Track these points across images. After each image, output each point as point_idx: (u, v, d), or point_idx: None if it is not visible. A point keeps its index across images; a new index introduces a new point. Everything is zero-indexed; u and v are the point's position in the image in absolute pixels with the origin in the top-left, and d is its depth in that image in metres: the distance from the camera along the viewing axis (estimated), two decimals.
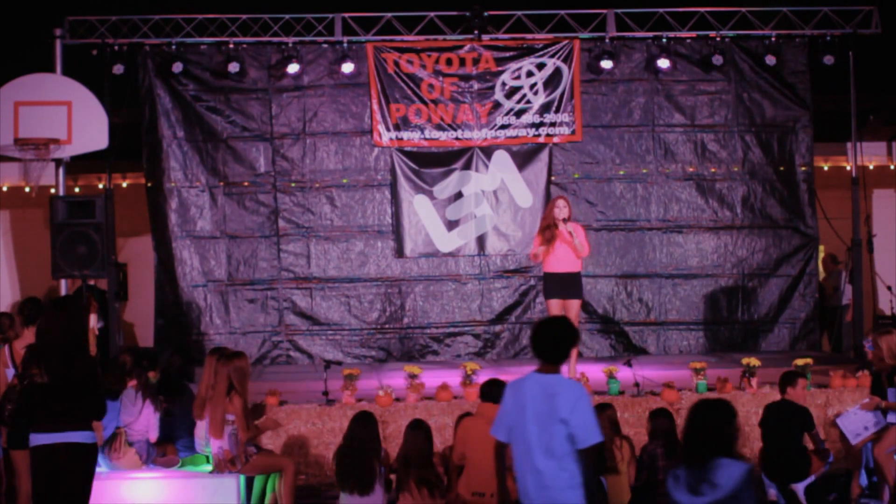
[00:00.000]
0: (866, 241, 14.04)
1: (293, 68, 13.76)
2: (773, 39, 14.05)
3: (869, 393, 9.55)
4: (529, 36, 14.12)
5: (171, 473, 8.92)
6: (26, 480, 7.60)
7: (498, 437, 6.09)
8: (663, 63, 13.96)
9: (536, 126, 14.09)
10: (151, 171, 14.02)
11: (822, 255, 14.99)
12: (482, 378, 9.34)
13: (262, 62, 14.02)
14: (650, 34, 14.05)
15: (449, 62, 14.06)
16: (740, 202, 14.33)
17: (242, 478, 8.62)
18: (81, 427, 6.89)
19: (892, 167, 16.01)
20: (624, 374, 10.71)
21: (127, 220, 14.83)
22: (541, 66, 14.06)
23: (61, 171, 13.31)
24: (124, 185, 15.28)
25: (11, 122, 12.56)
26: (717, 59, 13.88)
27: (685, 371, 11.06)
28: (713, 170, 14.37)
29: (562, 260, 11.08)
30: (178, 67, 13.65)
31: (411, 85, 13.99)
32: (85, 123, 12.74)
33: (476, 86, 14.11)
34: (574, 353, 9.96)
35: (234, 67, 13.64)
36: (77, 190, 15.06)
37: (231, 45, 13.78)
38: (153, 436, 9.12)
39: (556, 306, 11.15)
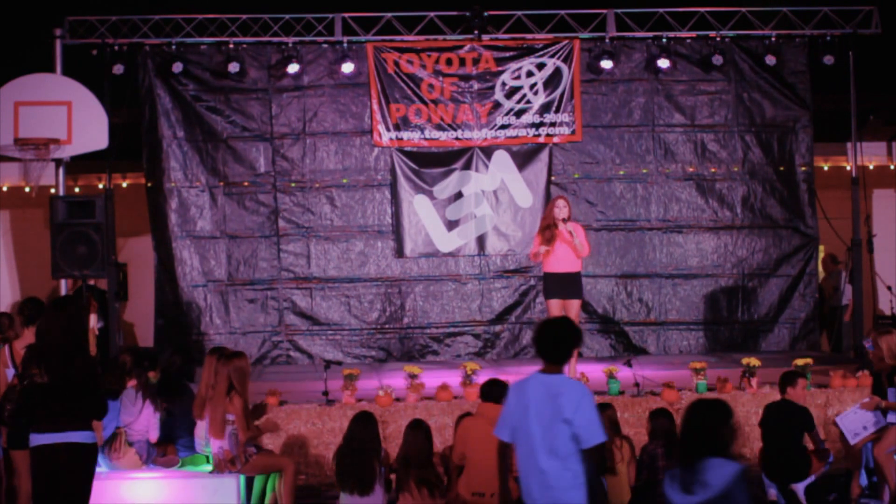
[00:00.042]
0: (866, 241, 14.04)
1: (293, 68, 13.76)
2: (773, 39, 14.05)
3: (870, 393, 9.54)
4: (529, 36, 14.12)
5: (171, 473, 8.92)
6: (26, 480, 7.60)
7: (501, 437, 6.10)
8: (663, 63, 13.96)
9: (536, 126, 14.10)
10: (151, 171, 14.02)
11: (821, 255, 14.98)
12: (482, 378, 9.34)
13: (262, 62, 14.03)
14: (650, 34, 14.05)
15: (449, 62, 14.06)
16: (740, 202, 14.33)
17: (242, 478, 8.62)
18: (81, 427, 6.89)
19: (892, 167, 16.01)
20: (624, 374, 10.71)
21: (127, 220, 14.83)
22: (541, 66, 14.07)
23: (61, 171, 13.31)
24: (124, 185, 15.28)
25: (11, 122, 12.56)
26: (717, 59, 13.88)
27: (685, 371, 11.06)
28: (713, 170, 14.37)
29: (562, 260, 11.09)
30: (178, 67, 13.65)
31: (411, 85, 13.99)
32: (85, 123, 12.74)
33: (476, 86, 14.11)
34: (574, 353, 9.96)
35: (234, 67, 13.64)
36: (77, 190, 15.06)
37: (231, 45, 13.78)
38: (153, 436, 9.13)
39: (556, 306, 11.16)
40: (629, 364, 10.75)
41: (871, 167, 15.33)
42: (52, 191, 13.34)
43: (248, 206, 14.08)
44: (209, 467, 8.79)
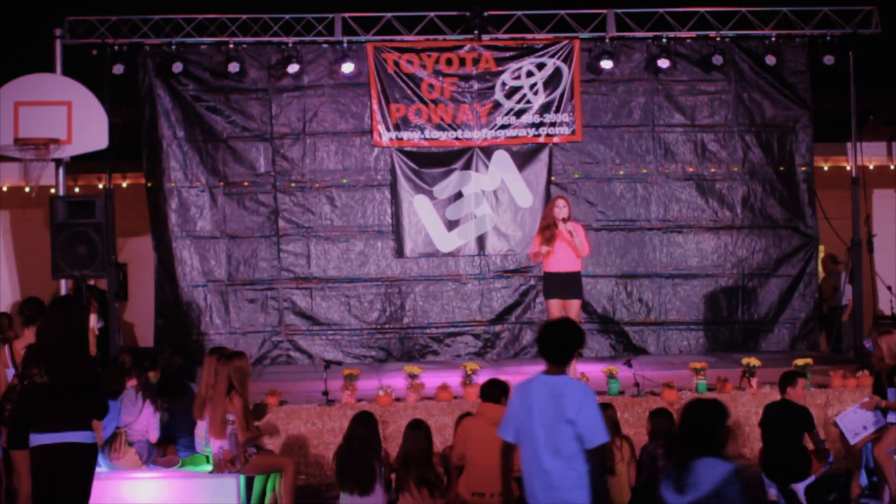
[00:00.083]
0: (866, 241, 14.04)
1: (293, 68, 13.76)
2: (773, 39, 14.05)
3: (871, 392, 9.53)
4: (529, 36, 14.12)
5: (171, 473, 8.91)
6: (26, 480, 7.59)
7: (506, 438, 6.12)
8: (663, 63, 13.96)
9: (536, 126, 14.10)
10: (151, 171, 14.02)
11: (821, 255, 14.97)
12: (482, 378, 9.34)
13: (262, 62, 14.03)
14: (650, 34, 14.05)
15: (449, 62, 14.06)
16: (740, 202, 14.33)
17: (242, 478, 8.62)
18: (81, 427, 6.89)
19: (892, 167, 16.02)
20: (624, 374, 10.71)
21: (127, 220, 14.83)
22: (541, 66, 14.07)
23: (61, 171, 13.31)
24: (124, 185, 15.28)
25: (11, 122, 12.56)
26: (717, 59, 13.88)
27: (685, 371, 11.06)
28: (713, 170, 14.37)
29: (562, 259, 11.09)
30: (178, 67, 13.65)
31: (411, 85, 13.99)
32: (85, 123, 12.74)
33: (476, 86, 14.11)
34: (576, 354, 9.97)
35: (234, 67, 13.64)
36: (77, 190, 15.07)
37: (231, 45, 13.78)
38: (153, 436, 9.12)
39: (555, 306, 11.16)
40: (629, 364, 10.75)
41: (871, 167, 15.33)
42: (52, 191, 13.34)
43: (248, 206, 14.08)
44: (209, 467, 8.78)
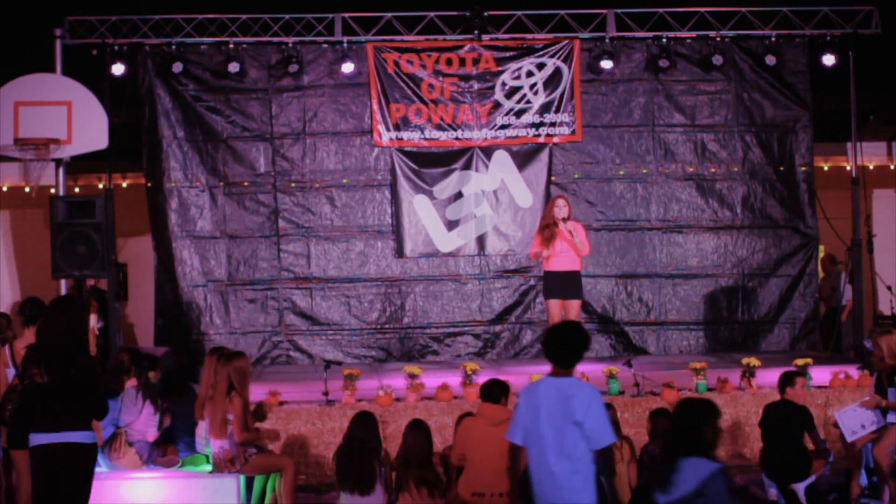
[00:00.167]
0: (866, 241, 14.03)
1: (293, 68, 13.76)
2: (773, 39, 14.05)
3: (872, 392, 9.53)
4: (529, 36, 14.12)
5: (171, 473, 8.91)
6: (26, 480, 7.59)
7: (514, 440, 6.15)
8: (663, 63, 13.96)
9: (536, 126, 14.09)
10: (151, 171, 14.02)
11: (821, 255, 14.97)
12: (482, 378, 9.35)
13: (262, 62, 14.03)
14: (650, 34, 14.05)
15: (449, 62, 14.06)
16: (740, 202, 14.33)
17: (242, 478, 8.62)
18: (81, 427, 6.89)
19: (892, 167, 16.02)
20: (624, 374, 10.71)
21: (127, 220, 14.83)
22: (541, 66, 14.06)
23: (61, 171, 13.30)
24: (124, 185, 15.29)
25: (11, 122, 12.54)
26: (717, 59, 13.88)
27: (685, 371, 11.07)
28: (713, 170, 14.37)
29: (562, 259, 11.12)
30: (178, 67, 13.65)
31: (411, 85, 13.99)
32: (85, 123, 12.73)
33: (476, 86, 14.11)
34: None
35: (234, 67, 13.64)
36: (77, 190, 15.07)
37: (231, 45, 13.78)
38: (151, 435, 9.11)
39: (555, 306, 11.17)
40: (629, 364, 10.76)
41: (871, 167, 15.34)
42: (52, 191, 13.33)
43: (248, 206, 14.08)
44: (209, 467, 8.79)
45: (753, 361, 10.75)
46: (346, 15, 13.89)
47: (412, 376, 10.47)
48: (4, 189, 15.27)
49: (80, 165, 14.26)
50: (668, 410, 9.11)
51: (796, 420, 8.96)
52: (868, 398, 9.38)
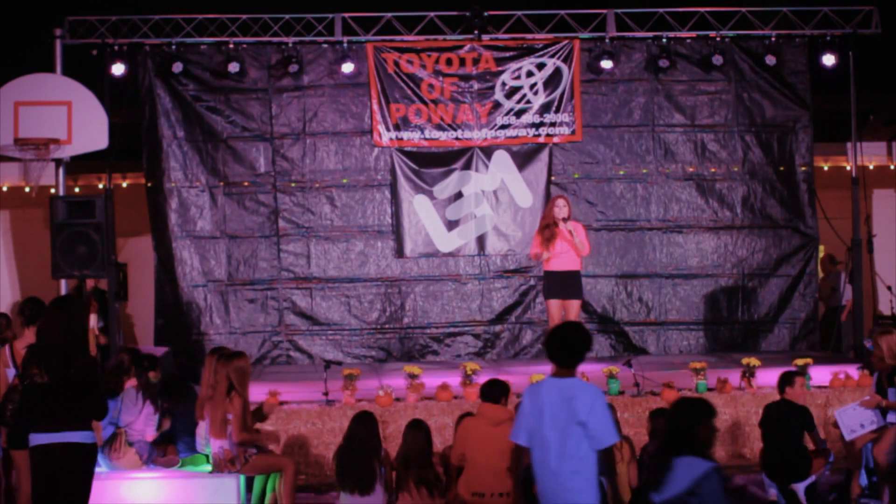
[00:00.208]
0: (866, 241, 14.03)
1: (293, 68, 13.75)
2: (773, 39, 14.05)
3: (873, 392, 9.53)
4: (529, 36, 14.12)
5: (171, 473, 8.91)
6: (26, 480, 7.60)
7: (518, 441, 6.17)
8: (663, 63, 13.96)
9: (536, 126, 14.09)
10: (151, 171, 14.01)
11: (820, 255, 14.97)
12: (482, 378, 9.36)
13: (262, 62, 14.02)
14: (650, 34, 14.04)
15: (449, 62, 14.06)
16: (740, 202, 14.33)
17: (242, 478, 8.62)
18: (81, 427, 6.89)
19: (892, 167, 16.01)
20: (624, 374, 10.71)
21: (127, 220, 14.83)
22: (541, 66, 14.06)
23: (61, 171, 13.30)
24: (124, 185, 15.28)
25: (11, 122, 12.54)
26: (717, 59, 13.87)
27: (685, 371, 11.06)
28: (713, 170, 14.37)
29: (562, 259, 11.12)
30: (178, 67, 13.64)
31: (411, 85, 13.99)
32: (85, 123, 12.73)
33: (476, 86, 14.11)
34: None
35: (234, 67, 13.64)
36: (77, 190, 15.06)
37: (231, 45, 13.77)
38: (150, 435, 9.11)
39: (555, 306, 11.18)
40: (629, 364, 10.76)
41: (871, 167, 15.33)
42: (52, 191, 13.33)
43: (248, 206, 14.08)
44: (209, 467, 8.79)
45: (753, 361, 10.76)
46: (346, 15, 13.89)
47: (412, 376, 10.47)
48: (4, 189, 15.27)
49: (80, 165, 14.26)
50: (668, 410, 9.12)
51: (796, 420, 8.96)
52: (868, 397, 9.38)
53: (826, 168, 15.59)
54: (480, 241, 14.13)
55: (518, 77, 14.07)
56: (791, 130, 14.35)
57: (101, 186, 14.65)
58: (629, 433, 9.46)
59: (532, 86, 14.06)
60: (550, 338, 6.29)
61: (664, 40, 14.03)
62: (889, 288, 14.57)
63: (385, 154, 14.11)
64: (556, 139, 14.13)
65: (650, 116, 14.29)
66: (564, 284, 11.16)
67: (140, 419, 9.07)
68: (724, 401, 10.42)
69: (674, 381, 10.51)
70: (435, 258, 14.13)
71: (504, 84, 14.07)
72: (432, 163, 14.10)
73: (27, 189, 13.92)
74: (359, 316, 14.07)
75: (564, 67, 14.03)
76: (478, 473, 7.92)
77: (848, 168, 14.61)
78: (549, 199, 12.90)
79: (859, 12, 13.93)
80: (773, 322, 14.30)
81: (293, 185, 14.11)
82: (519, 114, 14.08)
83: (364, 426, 8.16)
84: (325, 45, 13.99)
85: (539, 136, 14.10)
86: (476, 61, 14.06)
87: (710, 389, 10.58)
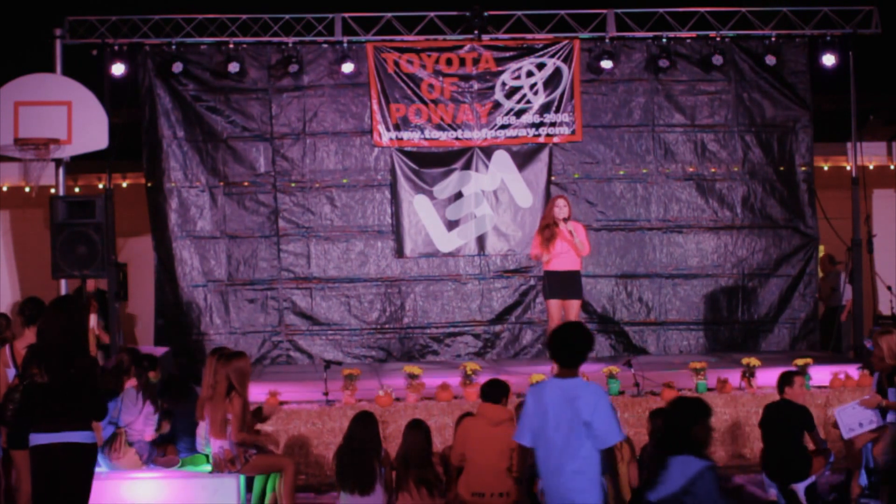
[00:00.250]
0: (866, 241, 14.03)
1: (293, 68, 13.75)
2: (773, 39, 14.05)
3: (873, 392, 9.53)
4: (529, 36, 14.12)
5: (171, 473, 8.92)
6: (26, 480, 7.60)
7: (522, 442, 6.19)
8: (663, 63, 13.96)
9: (536, 126, 14.10)
10: (151, 171, 14.01)
11: (820, 255, 14.97)
12: (482, 378, 9.36)
13: (262, 62, 14.02)
14: (650, 34, 14.05)
15: (449, 62, 14.06)
16: (740, 202, 14.33)
17: (242, 478, 8.63)
18: (81, 427, 6.89)
19: (892, 167, 16.01)
20: (624, 374, 10.71)
21: (127, 220, 14.83)
22: (541, 66, 14.06)
23: (61, 171, 13.30)
24: (124, 185, 15.28)
25: (11, 122, 12.55)
26: (717, 59, 13.87)
27: (685, 371, 11.07)
28: (713, 170, 14.37)
29: (562, 259, 11.11)
30: (178, 67, 13.64)
31: (411, 85, 13.99)
32: (85, 123, 12.73)
33: (476, 86, 14.11)
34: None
35: (234, 67, 13.63)
36: (77, 190, 15.06)
37: (231, 45, 13.77)
38: (149, 435, 9.11)
39: (555, 307, 11.17)
40: (629, 364, 10.76)
41: (871, 167, 15.33)
42: (52, 191, 13.34)
43: (248, 206, 14.08)
44: (209, 467, 8.79)
45: (753, 361, 10.76)
46: (346, 15, 13.89)
47: (412, 376, 10.47)
48: (4, 189, 15.27)
49: (80, 165, 14.26)
50: (664, 410, 9.12)
51: (796, 420, 8.96)
52: (868, 397, 9.39)
53: (826, 168, 15.59)
54: (480, 241, 14.13)
55: (518, 77, 14.07)
56: (791, 130, 14.35)
57: (101, 186, 14.65)
58: (629, 433, 9.45)
59: (532, 86, 14.06)
60: (552, 338, 6.31)
61: (664, 40, 14.03)
62: (889, 288, 14.57)
63: (385, 154, 14.11)
64: (556, 139, 14.13)
65: (650, 116, 14.29)
66: (564, 284, 11.16)
67: (140, 419, 9.07)
68: (724, 401, 10.43)
69: (674, 381, 10.51)
70: (435, 258, 14.13)
71: (504, 84, 14.07)
72: (432, 163, 14.10)
73: (27, 189, 13.93)
74: (359, 316, 14.07)
75: (564, 67, 14.04)
76: (478, 473, 7.92)
77: (848, 168, 14.61)
78: (549, 199, 12.90)
79: (859, 12, 13.93)
80: (773, 322, 14.30)
81: (293, 185, 14.11)
82: (519, 114, 14.08)
83: (364, 426, 8.16)
84: (325, 45, 13.99)
85: (539, 136, 14.10)
86: (476, 61, 14.06)
87: (710, 389, 10.58)
